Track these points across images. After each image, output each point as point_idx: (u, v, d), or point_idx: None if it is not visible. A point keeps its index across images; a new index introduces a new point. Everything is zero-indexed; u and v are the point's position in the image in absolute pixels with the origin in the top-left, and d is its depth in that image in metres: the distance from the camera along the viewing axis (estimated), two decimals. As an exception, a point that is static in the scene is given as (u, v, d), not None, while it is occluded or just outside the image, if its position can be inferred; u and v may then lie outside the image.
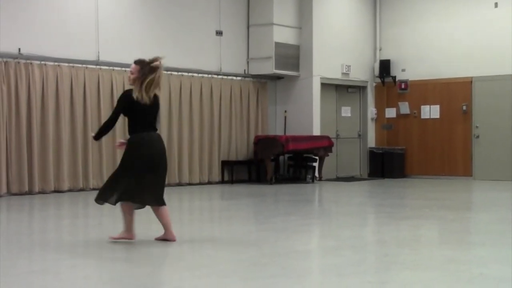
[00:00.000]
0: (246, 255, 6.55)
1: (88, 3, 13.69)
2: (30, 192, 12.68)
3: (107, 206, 7.21)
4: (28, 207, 11.22)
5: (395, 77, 18.03)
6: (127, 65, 13.94)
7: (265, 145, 15.72)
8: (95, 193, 6.95)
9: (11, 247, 7.24)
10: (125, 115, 7.01)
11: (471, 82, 17.03)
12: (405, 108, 17.97)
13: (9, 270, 5.78)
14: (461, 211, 10.70)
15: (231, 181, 15.83)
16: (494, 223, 8.81)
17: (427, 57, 17.58)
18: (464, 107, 17.11)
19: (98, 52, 13.77)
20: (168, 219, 6.97)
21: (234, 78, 16.31)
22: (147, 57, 7.06)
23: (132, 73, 6.95)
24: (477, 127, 16.99)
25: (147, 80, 6.84)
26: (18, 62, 12.66)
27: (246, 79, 16.56)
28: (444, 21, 17.38)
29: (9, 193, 12.47)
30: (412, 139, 17.95)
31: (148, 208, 7.12)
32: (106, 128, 7.12)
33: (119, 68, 13.94)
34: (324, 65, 16.98)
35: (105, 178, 14.06)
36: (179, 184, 14.98)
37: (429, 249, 6.93)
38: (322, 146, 16.19)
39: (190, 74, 15.29)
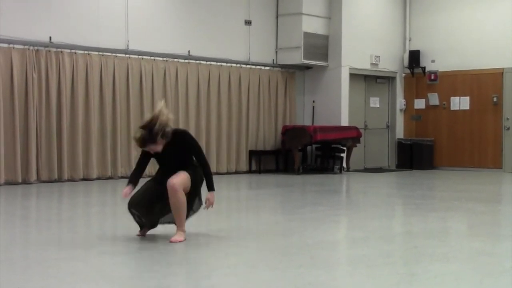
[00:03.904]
0: (274, 245, 6.54)
1: (118, -8, 13.75)
2: (59, 180, 12.78)
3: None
4: (58, 195, 11.31)
5: (424, 68, 17.87)
6: (156, 54, 14.18)
7: (293, 135, 15.69)
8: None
9: (41, 234, 7.31)
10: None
11: (502, 73, 16.83)
12: (434, 99, 17.82)
13: (38, 256, 5.83)
14: (491, 203, 10.59)
15: (259, 171, 15.82)
16: (524, 216, 8.70)
17: (457, 48, 17.39)
18: (495, 99, 16.91)
19: (128, 41, 13.82)
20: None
21: (263, 68, 16.27)
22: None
23: None
24: (507, 119, 16.79)
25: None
26: (49, 51, 12.74)
27: (275, 69, 16.52)
28: (475, 12, 17.17)
29: (39, 180, 12.58)
30: (441, 130, 17.79)
31: None
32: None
33: (148, 57, 14.01)
34: (353, 56, 16.88)
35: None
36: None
37: (459, 241, 6.86)
38: (350, 136, 16.12)
39: (218, 63, 15.27)
